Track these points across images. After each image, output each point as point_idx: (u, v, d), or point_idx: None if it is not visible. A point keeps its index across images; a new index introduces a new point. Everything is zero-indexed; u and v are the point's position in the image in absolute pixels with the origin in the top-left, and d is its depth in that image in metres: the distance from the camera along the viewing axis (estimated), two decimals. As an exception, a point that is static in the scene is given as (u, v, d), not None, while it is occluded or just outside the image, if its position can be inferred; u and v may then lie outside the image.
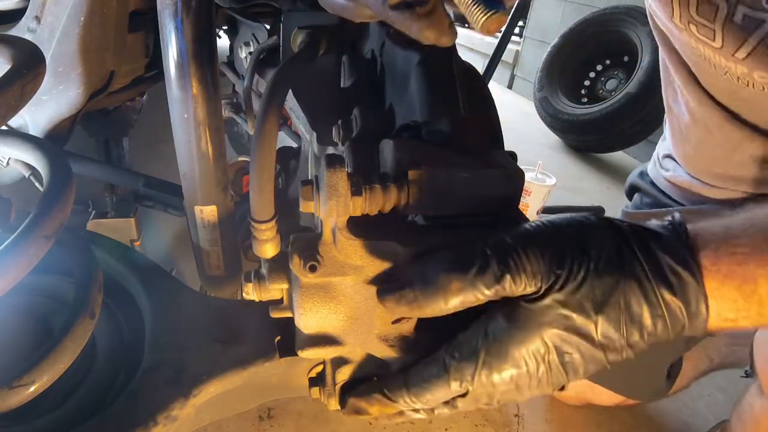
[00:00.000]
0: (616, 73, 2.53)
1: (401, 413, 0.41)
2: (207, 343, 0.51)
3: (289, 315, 0.45)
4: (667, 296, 0.33)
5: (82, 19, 0.66)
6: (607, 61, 2.53)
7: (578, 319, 0.34)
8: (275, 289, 0.45)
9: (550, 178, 1.68)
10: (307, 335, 0.43)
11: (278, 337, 0.50)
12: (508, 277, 0.34)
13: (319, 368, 0.48)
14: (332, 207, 0.37)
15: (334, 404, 0.45)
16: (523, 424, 0.96)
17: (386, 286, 0.38)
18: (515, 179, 0.40)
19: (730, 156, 0.70)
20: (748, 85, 0.59)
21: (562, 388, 0.37)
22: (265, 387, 0.53)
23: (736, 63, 0.56)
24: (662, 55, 0.76)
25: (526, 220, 0.40)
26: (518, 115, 3.04)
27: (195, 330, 0.53)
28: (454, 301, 0.35)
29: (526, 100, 3.30)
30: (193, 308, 0.55)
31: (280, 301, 0.46)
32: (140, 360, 0.50)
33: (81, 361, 0.45)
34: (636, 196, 0.95)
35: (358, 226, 0.38)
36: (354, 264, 0.39)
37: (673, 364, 0.89)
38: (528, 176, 1.66)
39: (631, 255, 0.34)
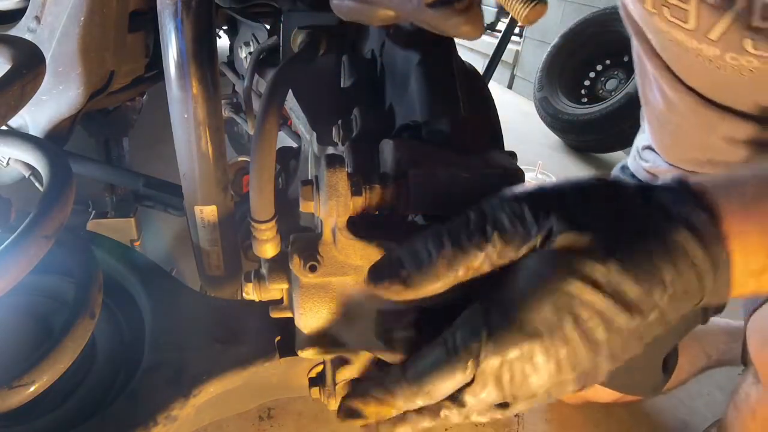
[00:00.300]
0: (616, 73, 2.53)
1: (403, 418, 0.36)
2: (207, 343, 0.51)
3: (289, 315, 0.45)
4: (685, 238, 0.29)
5: (82, 19, 0.66)
6: (607, 61, 2.53)
7: (588, 265, 0.29)
8: (275, 289, 0.45)
9: (550, 178, 1.68)
10: (307, 335, 0.43)
11: (278, 337, 0.50)
12: (496, 234, 0.31)
13: (319, 368, 0.48)
14: (332, 207, 0.37)
15: (334, 404, 0.45)
16: (523, 424, 0.96)
17: (376, 270, 0.35)
18: (515, 179, 0.40)
19: (705, 139, 0.71)
20: (719, 69, 0.59)
21: (583, 384, 0.32)
22: (265, 387, 0.53)
23: (708, 45, 0.56)
24: (635, 46, 0.77)
25: None
26: (518, 115, 3.04)
27: (195, 330, 0.53)
28: (448, 273, 0.32)
29: (526, 100, 3.30)
30: (193, 308, 0.55)
31: (280, 301, 0.46)
32: (140, 360, 0.50)
33: (81, 361, 0.45)
34: None
35: (358, 226, 0.38)
36: (354, 264, 0.39)
37: (668, 357, 0.89)
38: (528, 176, 1.66)
39: (637, 203, 0.31)
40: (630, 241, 0.30)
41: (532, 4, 0.31)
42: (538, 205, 0.32)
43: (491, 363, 0.31)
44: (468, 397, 0.33)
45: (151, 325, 0.53)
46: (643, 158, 0.88)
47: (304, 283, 0.40)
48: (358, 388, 0.37)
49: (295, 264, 0.39)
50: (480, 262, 0.32)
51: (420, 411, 0.35)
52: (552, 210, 0.31)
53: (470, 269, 0.33)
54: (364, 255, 0.39)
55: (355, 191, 0.37)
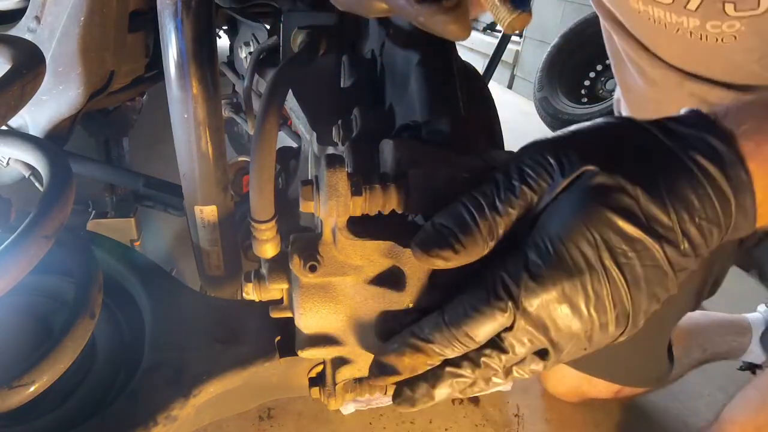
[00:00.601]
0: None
1: (440, 376, 0.34)
2: (207, 343, 0.51)
3: (289, 315, 0.45)
4: (702, 161, 0.30)
5: (82, 19, 0.66)
6: (607, 61, 2.52)
7: (615, 196, 0.30)
8: (275, 289, 0.45)
9: (550, 178, 1.68)
10: (307, 335, 0.43)
11: (278, 337, 0.50)
12: (525, 188, 0.32)
13: (319, 368, 0.48)
14: (332, 207, 0.37)
15: (334, 404, 0.45)
16: (523, 424, 0.96)
17: (422, 240, 0.34)
18: None
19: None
20: (701, 39, 0.59)
21: (625, 327, 0.31)
22: (265, 387, 0.53)
23: (689, 16, 0.56)
24: (607, 30, 0.77)
25: None
26: (518, 115, 3.04)
27: (195, 330, 0.53)
28: (492, 236, 0.33)
29: (526, 100, 3.30)
30: (193, 308, 0.55)
31: (280, 301, 0.46)
32: (140, 360, 0.50)
33: (81, 361, 0.45)
34: None
35: (358, 226, 0.38)
36: (354, 264, 0.39)
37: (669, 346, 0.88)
38: (528, 176, 1.66)
39: (652, 136, 0.32)
40: (654, 172, 0.30)
41: (517, 12, 0.31)
42: (561, 151, 0.32)
43: (532, 303, 0.30)
44: (509, 342, 0.32)
45: (151, 325, 0.53)
46: None
47: (304, 283, 0.40)
48: (391, 341, 0.36)
49: (295, 264, 0.39)
50: (516, 217, 0.33)
51: (459, 361, 0.34)
52: (575, 154, 0.32)
53: (509, 226, 0.33)
54: (364, 255, 0.39)
55: (355, 191, 0.37)
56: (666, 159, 0.31)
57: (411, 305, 0.39)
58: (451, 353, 0.33)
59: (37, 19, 0.69)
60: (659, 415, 1.02)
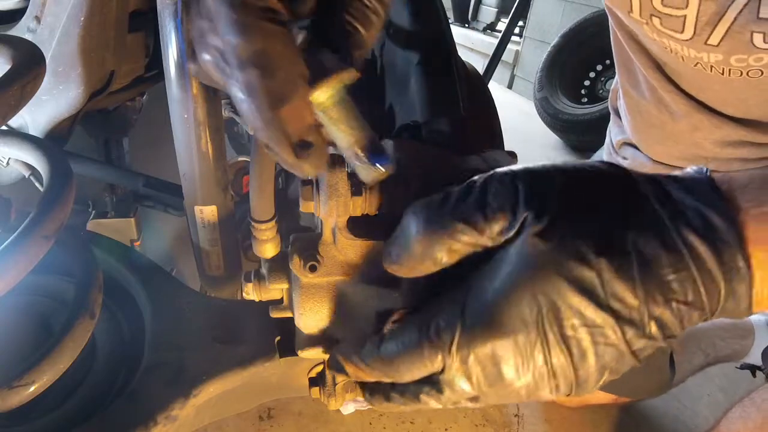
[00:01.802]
0: (615, 73, 2.52)
1: (388, 396, 0.34)
2: (207, 343, 0.51)
3: (289, 315, 0.45)
4: (693, 239, 0.25)
5: (82, 19, 0.66)
6: (607, 61, 2.53)
7: (574, 265, 0.26)
8: (275, 289, 0.45)
9: (550, 178, 1.68)
10: (307, 335, 0.43)
11: (278, 337, 0.50)
12: (480, 214, 0.29)
13: (319, 368, 0.48)
14: (332, 207, 0.37)
15: (334, 404, 0.45)
16: (522, 424, 0.96)
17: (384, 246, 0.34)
18: None
19: (699, 142, 0.68)
20: (723, 74, 0.54)
21: (573, 389, 0.29)
22: (265, 387, 0.53)
23: (710, 51, 0.52)
24: (616, 36, 0.71)
25: None
26: (518, 115, 3.04)
27: (195, 330, 0.53)
28: (429, 253, 0.30)
29: (526, 100, 3.30)
30: (193, 308, 0.55)
31: (280, 301, 0.46)
32: (140, 360, 0.50)
33: (81, 361, 0.45)
34: None
35: (358, 226, 0.38)
36: (354, 264, 0.39)
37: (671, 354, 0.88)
38: (528, 176, 1.66)
39: (641, 196, 0.27)
40: (630, 241, 0.26)
41: (376, 169, 0.31)
42: (534, 186, 0.29)
43: (462, 356, 0.29)
44: (442, 386, 0.31)
45: (151, 325, 0.53)
46: (621, 155, 0.82)
47: (304, 283, 0.40)
48: (344, 348, 0.36)
49: (295, 264, 0.39)
50: (463, 244, 0.30)
51: (402, 390, 0.34)
52: (547, 195, 0.28)
53: (454, 252, 0.30)
54: (364, 255, 0.39)
55: (355, 191, 0.37)
56: (650, 228, 0.26)
57: (409, 305, 0.39)
58: (387, 380, 0.34)
59: (37, 19, 0.69)
60: (659, 416, 1.02)
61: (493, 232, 0.29)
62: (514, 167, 0.31)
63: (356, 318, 0.42)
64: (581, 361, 0.27)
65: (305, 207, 0.39)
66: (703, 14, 0.49)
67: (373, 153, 0.31)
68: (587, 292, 0.26)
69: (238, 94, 0.28)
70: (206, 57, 0.29)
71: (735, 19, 0.47)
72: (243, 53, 0.27)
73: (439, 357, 0.30)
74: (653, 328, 0.26)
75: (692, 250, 0.26)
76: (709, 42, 0.50)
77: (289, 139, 0.29)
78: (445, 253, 0.30)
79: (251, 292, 0.45)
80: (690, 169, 0.29)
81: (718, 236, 0.25)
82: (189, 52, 0.29)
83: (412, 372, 0.31)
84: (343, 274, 0.40)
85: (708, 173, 0.28)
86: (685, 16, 0.50)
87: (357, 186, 0.37)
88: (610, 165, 0.30)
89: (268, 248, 0.44)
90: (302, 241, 0.40)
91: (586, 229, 0.27)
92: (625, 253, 0.26)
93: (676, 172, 0.29)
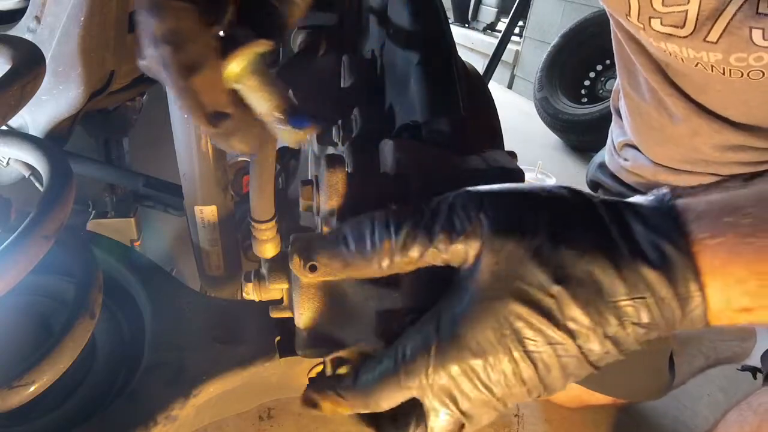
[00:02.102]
0: (616, 73, 2.52)
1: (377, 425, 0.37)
2: (207, 343, 0.51)
3: (289, 315, 0.45)
4: (647, 272, 0.27)
5: (82, 19, 0.66)
6: (607, 61, 2.53)
7: (533, 292, 0.28)
8: (275, 289, 0.45)
9: (550, 178, 1.68)
10: (307, 335, 0.43)
11: (278, 337, 0.50)
12: (442, 236, 0.30)
13: (319, 368, 0.48)
14: (332, 207, 0.37)
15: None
16: (523, 424, 0.96)
17: (321, 241, 0.34)
18: (515, 178, 0.40)
19: (699, 146, 0.67)
20: (724, 74, 0.53)
21: (544, 391, 0.31)
22: (265, 387, 0.53)
23: (709, 50, 0.51)
24: (617, 36, 0.70)
25: None
26: (518, 115, 3.04)
27: (195, 330, 0.53)
28: (386, 263, 0.32)
29: (526, 100, 3.30)
30: (193, 308, 0.55)
31: (280, 301, 0.46)
32: (140, 360, 0.50)
33: (81, 361, 0.45)
34: (599, 191, 0.89)
35: None
36: None
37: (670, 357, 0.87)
38: (528, 176, 1.66)
39: (600, 225, 0.29)
40: (587, 271, 0.28)
41: (297, 131, 0.32)
42: (497, 214, 0.30)
43: (439, 377, 0.30)
44: (429, 413, 0.33)
45: (151, 325, 0.53)
46: (622, 156, 0.81)
47: (304, 283, 0.40)
48: (318, 383, 0.38)
49: (295, 264, 0.39)
50: (419, 258, 0.31)
51: (386, 423, 0.36)
52: (508, 222, 0.30)
53: (410, 263, 0.32)
54: None
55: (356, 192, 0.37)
56: (607, 258, 0.28)
57: (410, 305, 0.39)
58: (365, 411, 0.35)
59: (37, 19, 0.69)
60: (659, 416, 1.02)
61: (456, 255, 0.31)
62: (480, 189, 0.32)
63: (356, 318, 0.42)
64: (546, 372, 0.29)
65: (305, 207, 0.39)
66: (704, 8, 0.48)
67: (292, 116, 0.33)
68: (547, 315, 0.28)
69: (160, 71, 0.31)
70: (147, 51, 0.32)
71: (734, 14, 0.46)
72: (157, 32, 0.30)
73: (417, 381, 0.31)
74: (608, 345, 0.29)
75: (648, 282, 0.27)
76: (708, 39, 0.50)
77: (203, 109, 0.31)
78: (401, 262, 0.32)
79: (251, 292, 0.45)
80: (652, 195, 0.31)
81: (673, 269, 0.27)
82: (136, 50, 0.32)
83: (389, 400, 0.33)
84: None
85: (669, 201, 0.29)
86: (686, 11, 0.49)
87: (356, 185, 0.37)
88: (571, 191, 0.31)
89: (268, 248, 0.44)
90: (302, 241, 0.40)
91: (546, 257, 0.29)
92: (582, 281, 0.28)
93: (638, 199, 0.31)
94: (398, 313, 0.40)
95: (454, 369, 0.30)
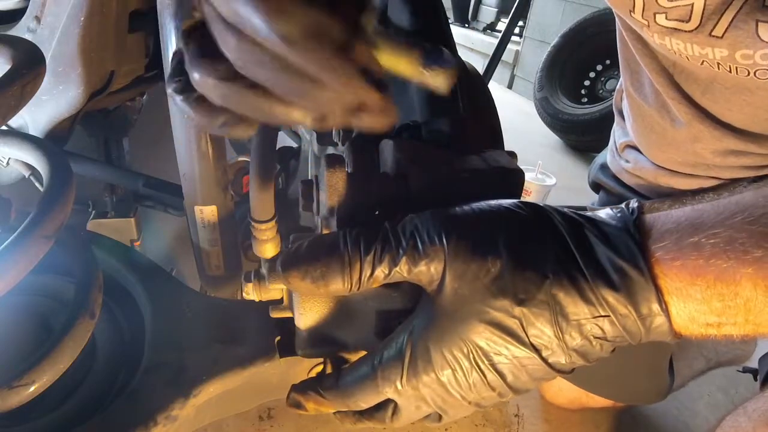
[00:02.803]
0: (616, 73, 2.52)
1: (358, 418, 0.40)
2: (207, 343, 0.51)
3: (289, 315, 0.45)
4: (608, 294, 0.28)
5: (82, 19, 0.66)
6: (607, 61, 2.53)
7: (496, 313, 0.30)
8: (275, 289, 0.45)
9: (550, 178, 1.68)
10: (307, 335, 0.43)
11: (278, 337, 0.50)
12: (404, 258, 0.31)
13: (319, 368, 0.48)
14: (332, 207, 0.37)
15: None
16: (522, 424, 0.96)
17: (291, 257, 0.35)
18: (515, 178, 0.40)
19: (699, 151, 0.66)
20: (730, 71, 0.51)
21: (512, 394, 0.33)
22: (265, 387, 0.53)
23: (714, 45, 0.49)
24: (622, 36, 0.69)
25: None
26: (518, 115, 3.04)
27: (195, 330, 0.53)
28: (355, 280, 0.32)
29: (526, 100, 3.30)
30: (193, 308, 0.55)
31: (280, 301, 0.46)
32: (140, 360, 0.50)
33: (81, 361, 0.45)
34: (601, 193, 0.88)
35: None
36: None
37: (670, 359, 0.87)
38: (528, 176, 1.66)
39: (562, 246, 0.30)
40: (549, 292, 0.29)
41: (437, 71, 0.29)
42: (459, 237, 0.31)
43: (413, 385, 0.33)
44: (401, 408, 0.36)
45: (151, 325, 0.53)
46: (624, 158, 0.80)
47: None
48: (302, 384, 0.41)
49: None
50: (384, 278, 0.33)
51: (368, 416, 0.39)
52: (471, 245, 0.31)
53: (376, 282, 0.33)
54: None
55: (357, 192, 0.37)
56: (569, 280, 0.29)
57: (409, 305, 0.39)
58: (346, 409, 0.39)
59: (37, 19, 0.69)
60: (659, 416, 1.02)
61: (421, 276, 0.32)
62: (444, 212, 0.33)
63: (356, 318, 0.42)
64: (515, 379, 0.31)
65: (305, 206, 0.39)
66: (711, 2, 0.47)
67: (432, 58, 0.30)
68: (510, 334, 0.30)
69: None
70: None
71: (741, 6, 0.45)
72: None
73: (392, 387, 0.34)
74: (574, 356, 0.30)
75: (610, 304, 0.28)
76: (713, 33, 0.48)
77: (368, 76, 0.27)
78: (366, 281, 0.33)
79: (251, 292, 0.45)
80: (617, 210, 0.31)
81: (634, 291, 0.28)
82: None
83: (367, 401, 0.36)
84: None
85: (635, 218, 0.30)
86: (692, 4, 0.48)
87: (357, 186, 0.37)
88: (533, 208, 0.32)
89: (268, 248, 0.44)
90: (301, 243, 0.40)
91: (508, 282, 0.29)
92: (544, 302, 0.29)
93: (602, 214, 0.31)
94: (397, 314, 0.40)
95: (425, 378, 0.32)
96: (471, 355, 0.31)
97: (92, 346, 0.53)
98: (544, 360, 0.30)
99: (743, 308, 0.27)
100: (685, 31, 0.51)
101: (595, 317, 0.28)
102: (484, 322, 0.30)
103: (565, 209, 0.33)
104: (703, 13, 0.48)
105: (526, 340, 0.29)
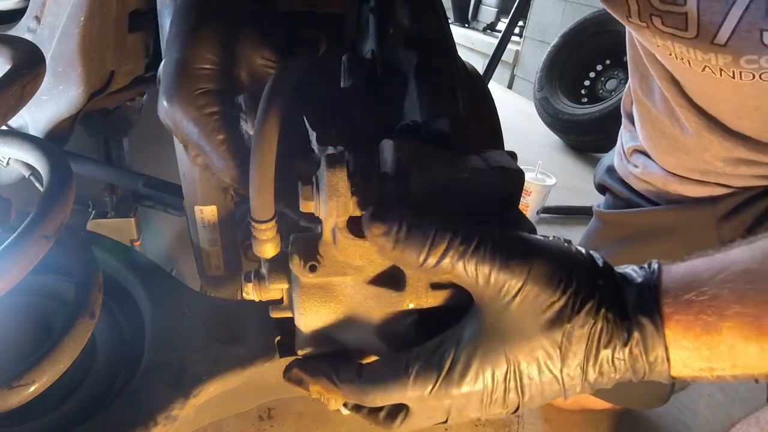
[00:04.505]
0: (616, 73, 2.53)
1: (368, 417, 0.40)
2: (207, 343, 0.51)
3: (289, 315, 0.45)
4: (622, 353, 0.32)
5: (82, 19, 0.66)
6: (607, 61, 2.53)
7: (546, 341, 0.33)
8: (275, 289, 0.45)
9: (550, 178, 1.68)
10: (307, 335, 0.43)
11: (278, 337, 0.50)
12: (490, 263, 0.33)
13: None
14: (332, 207, 0.37)
15: (334, 404, 0.45)
16: (523, 424, 0.96)
17: (381, 210, 0.36)
18: (515, 178, 0.40)
19: (710, 160, 0.67)
20: (734, 77, 0.51)
21: (516, 410, 0.36)
22: (265, 387, 0.53)
23: (717, 52, 0.49)
24: (632, 39, 0.69)
25: (527, 220, 0.40)
26: (518, 115, 3.04)
27: (195, 330, 0.53)
28: (430, 259, 0.33)
29: (526, 100, 3.30)
30: (193, 308, 0.55)
31: (280, 301, 0.46)
32: (140, 360, 0.50)
33: (81, 361, 0.45)
34: (607, 195, 0.89)
35: (358, 226, 0.38)
36: (354, 264, 0.39)
37: None
38: (528, 176, 1.66)
39: (605, 299, 0.33)
40: (592, 328, 0.32)
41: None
42: (510, 263, 0.33)
43: (439, 396, 0.34)
44: (412, 415, 0.37)
45: (151, 325, 0.53)
46: (633, 162, 0.80)
47: (304, 283, 0.40)
48: (312, 365, 0.41)
49: (295, 264, 0.39)
50: (461, 268, 0.33)
51: (370, 412, 0.40)
52: (551, 274, 0.33)
53: (443, 269, 0.34)
54: (365, 255, 0.39)
55: (356, 191, 0.37)
56: (605, 318, 0.32)
57: (411, 305, 0.39)
58: (356, 402, 0.39)
59: (37, 19, 0.69)
60: (659, 416, 1.02)
61: (492, 286, 0.33)
62: (525, 235, 0.35)
63: (357, 318, 0.42)
64: (529, 400, 0.34)
65: (305, 207, 0.39)
66: (704, 12, 0.47)
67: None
68: (551, 360, 0.33)
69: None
70: None
71: (742, 16, 0.45)
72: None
73: (419, 395, 0.35)
74: (586, 386, 0.34)
75: (630, 351, 0.32)
76: (716, 41, 0.48)
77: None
78: (439, 269, 0.34)
79: (251, 292, 0.45)
80: (642, 269, 0.35)
81: (647, 341, 0.32)
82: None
83: (385, 401, 0.37)
84: (344, 274, 0.40)
85: (656, 276, 0.33)
86: (686, 13, 0.48)
87: (357, 186, 0.37)
88: (590, 254, 0.35)
89: (268, 248, 0.44)
90: (302, 241, 0.40)
91: (567, 313, 0.32)
92: (584, 339, 0.32)
93: (630, 272, 0.35)
94: (400, 314, 0.40)
95: (454, 391, 0.34)
96: (507, 375, 0.33)
97: (92, 346, 0.53)
98: (563, 386, 0.33)
99: (728, 354, 0.30)
100: (686, 38, 0.50)
101: (615, 358, 0.32)
102: (534, 345, 0.33)
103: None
104: (699, 23, 0.48)
105: (560, 368, 0.33)
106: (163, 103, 0.47)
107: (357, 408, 0.41)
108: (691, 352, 0.31)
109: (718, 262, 0.33)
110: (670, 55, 0.55)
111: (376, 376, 0.37)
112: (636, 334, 0.32)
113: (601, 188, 0.90)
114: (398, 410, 0.38)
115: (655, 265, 0.35)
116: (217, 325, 0.53)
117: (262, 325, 0.52)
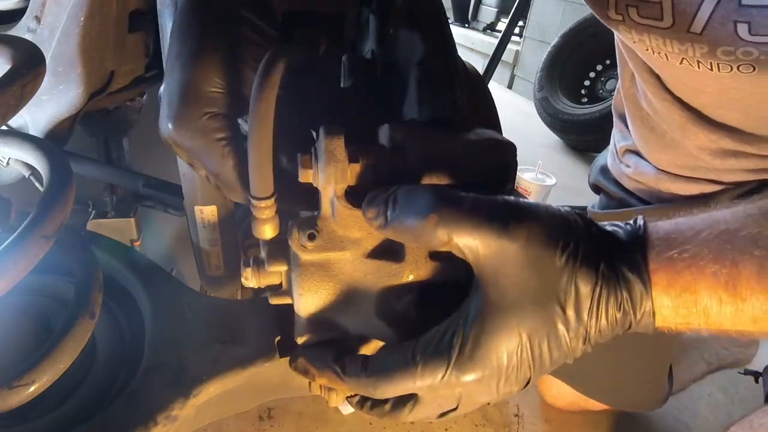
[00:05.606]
0: (616, 73, 2.51)
1: (375, 410, 0.40)
2: (207, 343, 0.51)
3: (289, 301, 0.45)
4: (622, 307, 0.33)
5: (82, 19, 0.66)
6: (607, 61, 2.53)
7: (557, 315, 0.32)
8: (274, 272, 0.44)
9: (550, 178, 1.68)
10: (306, 320, 0.42)
11: (278, 337, 0.50)
12: (487, 227, 0.33)
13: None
14: (330, 174, 0.37)
15: (334, 400, 0.45)
16: (523, 424, 0.96)
17: (375, 197, 0.36)
18: (508, 149, 0.40)
19: (698, 154, 0.66)
20: (712, 69, 0.50)
21: (527, 384, 0.36)
22: (265, 387, 0.53)
23: (693, 41, 0.48)
24: (617, 37, 0.69)
25: (523, 197, 0.41)
26: (518, 115, 3.04)
27: (195, 330, 0.53)
28: (428, 233, 0.33)
29: (526, 100, 3.30)
30: (193, 308, 0.55)
31: (279, 286, 0.46)
32: (140, 360, 0.50)
33: (81, 361, 0.45)
34: (601, 195, 0.89)
35: (356, 195, 0.38)
36: (353, 237, 0.39)
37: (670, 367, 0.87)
38: (528, 176, 1.66)
39: (603, 256, 0.33)
40: (600, 285, 0.32)
41: None
42: (535, 219, 0.33)
43: (450, 383, 0.33)
44: (421, 404, 0.36)
45: (151, 325, 0.53)
46: (624, 162, 0.80)
47: (304, 260, 0.40)
48: (318, 355, 0.40)
49: (294, 238, 0.39)
50: (463, 236, 0.33)
51: (375, 405, 0.39)
52: (548, 236, 0.33)
53: (438, 240, 0.34)
54: (363, 226, 0.39)
55: (353, 159, 0.37)
56: (602, 274, 0.32)
57: (411, 277, 0.39)
58: (363, 394, 0.39)
59: (37, 19, 0.69)
60: (659, 416, 1.02)
61: (491, 258, 0.33)
62: (514, 200, 0.35)
63: (356, 297, 0.41)
64: (540, 371, 0.34)
65: (304, 177, 0.39)
66: (678, 1, 0.47)
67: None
68: (554, 326, 0.33)
69: None
70: None
71: (715, 8, 0.45)
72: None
73: (428, 383, 0.34)
74: (587, 347, 0.34)
75: (621, 307, 0.33)
76: (692, 29, 0.48)
77: None
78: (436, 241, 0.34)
79: (250, 277, 0.45)
80: (629, 227, 0.35)
81: (635, 294, 0.32)
82: None
83: (394, 392, 0.36)
84: (342, 249, 0.40)
85: (642, 233, 0.34)
86: (661, 2, 0.48)
87: (354, 154, 0.37)
88: (585, 220, 0.35)
89: (267, 229, 0.44)
90: (301, 219, 0.41)
91: (570, 272, 0.32)
92: (588, 297, 0.32)
93: (618, 230, 0.35)
94: (399, 292, 0.40)
95: (465, 378, 0.33)
96: (519, 349, 0.33)
97: (92, 346, 0.53)
98: (570, 350, 0.33)
99: (703, 314, 0.32)
100: (662, 28, 0.50)
101: (611, 315, 0.33)
102: (541, 310, 0.32)
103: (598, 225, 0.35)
104: (673, 11, 0.48)
105: (566, 330, 0.32)
106: (169, 126, 0.46)
107: (361, 402, 0.41)
108: (670, 311, 0.32)
109: (701, 221, 0.33)
110: (647, 50, 0.55)
111: (383, 368, 0.36)
112: (627, 291, 0.32)
113: (596, 188, 0.90)
114: (406, 400, 0.37)
115: (640, 221, 0.35)
116: (217, 325, 0.53)
117: (262, 325, 0.52)
